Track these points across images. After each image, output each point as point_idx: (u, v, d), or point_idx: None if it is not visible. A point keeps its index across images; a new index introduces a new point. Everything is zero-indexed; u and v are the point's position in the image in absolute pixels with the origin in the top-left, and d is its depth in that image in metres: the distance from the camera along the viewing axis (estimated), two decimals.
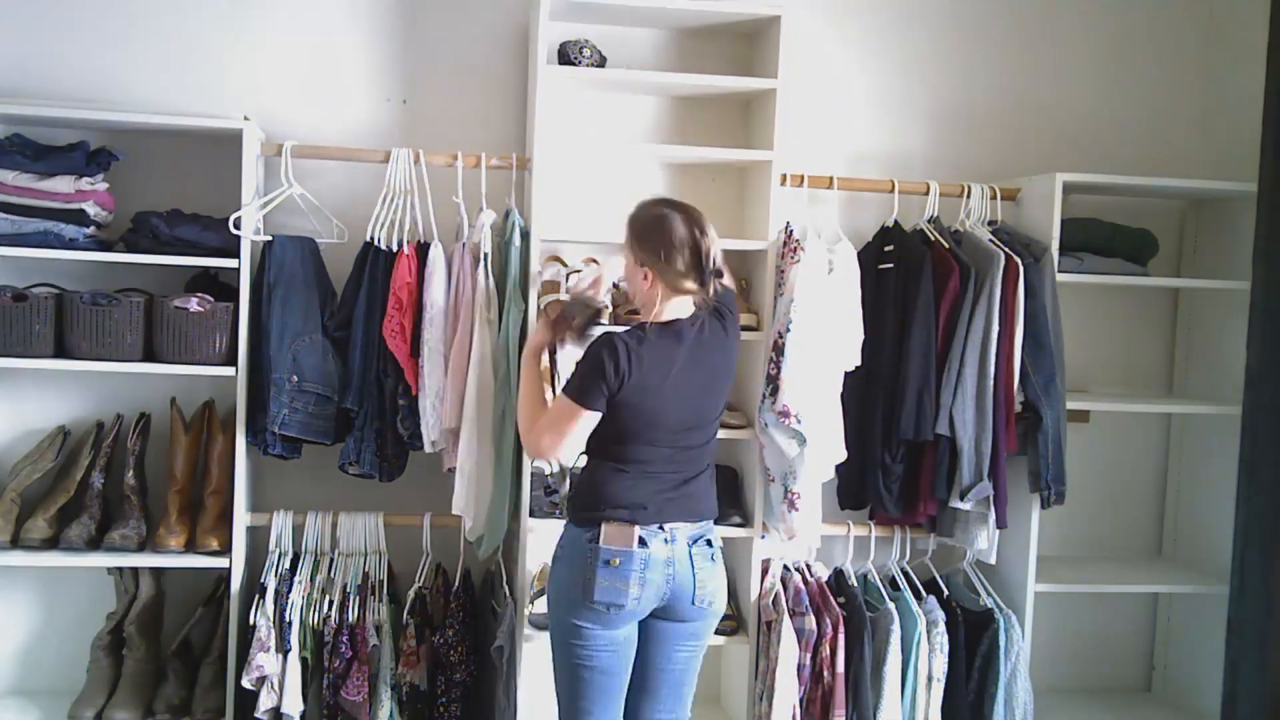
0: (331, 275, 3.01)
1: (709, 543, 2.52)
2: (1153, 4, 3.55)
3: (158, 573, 3.00)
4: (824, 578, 3.17)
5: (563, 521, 3.03)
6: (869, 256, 3.12)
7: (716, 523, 3.06)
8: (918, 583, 3.19)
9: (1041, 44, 3.50)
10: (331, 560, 2.96)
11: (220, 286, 3.03)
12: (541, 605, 3.09)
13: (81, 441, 3.02)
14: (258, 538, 3.02)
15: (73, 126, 3.00)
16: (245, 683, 2.77)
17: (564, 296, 3.03)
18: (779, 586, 3.07)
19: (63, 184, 2.81)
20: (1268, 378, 2.97)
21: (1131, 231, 3.28)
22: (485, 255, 2.90)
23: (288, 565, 2.93)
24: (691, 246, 2.40)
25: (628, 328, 2.46)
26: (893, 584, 3.19)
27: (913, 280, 3.02)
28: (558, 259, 3.22)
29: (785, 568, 3.15)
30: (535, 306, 2.96)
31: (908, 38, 3.42)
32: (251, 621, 2.80)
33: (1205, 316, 3.48)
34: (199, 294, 2.88)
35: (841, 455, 2.95)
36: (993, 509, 3.01)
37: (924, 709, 3.00)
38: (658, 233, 2.41)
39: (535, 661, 3.26)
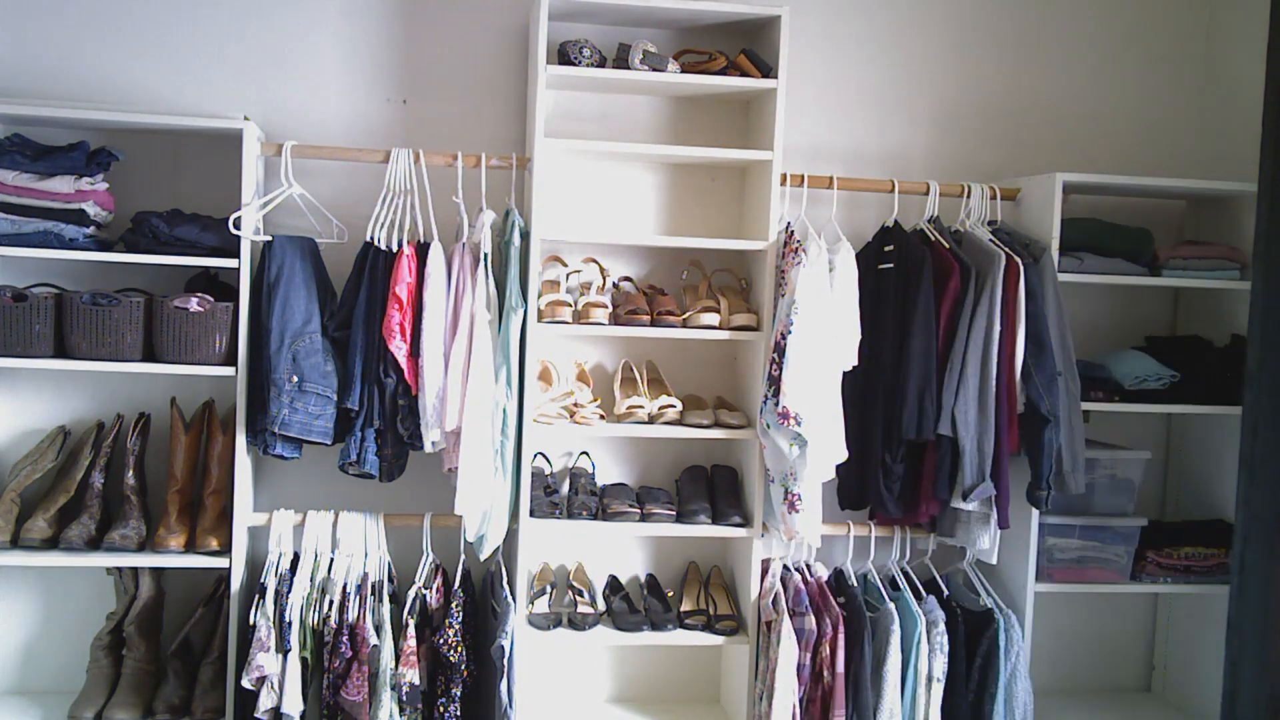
0: (331, 275, 3.01)
1: None
2: (1153, 4, 3.55)
3: (158, 573, 3.00)
4: (824, 578, 3.17)
5: (563, 521, 3.06)
6: (869, 256, 3.12)
7: (716, 522, 3.09)
8: (918, 583, 3.19)
9: (1041, 44, 3.50)
10: (331, 560, 2.96)
11: (220, 286, 3.03)
12: (542, 605, 3.09)
13: (81, 441, 3.02)
14: (258, 538, 3.02)
15: (73, 126, 3.00)
16: (245, 683, 2.77)
17: (564, 296, 3.03)
18: (779, 586, 3.07)
19: (63, 184, 2.81)
20: (1268, 378, 2.97)
21: (1131, 231, 3.28)
22: (485, 255, 2.91)
23: (288, 565, 2.93)
24: None
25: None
26: (893, 584, 3.19)
27: (913, 280, 3.02)
28: (558, 259, 3.23)
29: (785, 568, 3.15)
30: (535, 306, 2.96)
31: (908, 38, 3.42)
32: (251, 621, 2.80)
33: (1205, 317, 3.47)
34: (199, 294, 2.88)
35: (842, 455, 2.95)
36: (995, 509, 3.01)
37: (924, 709, 3.00)
38: None
39: (535, 661, 3.27)
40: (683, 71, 3.06)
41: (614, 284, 3.22)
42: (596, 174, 3.29)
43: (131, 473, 2.96)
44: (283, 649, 2.78)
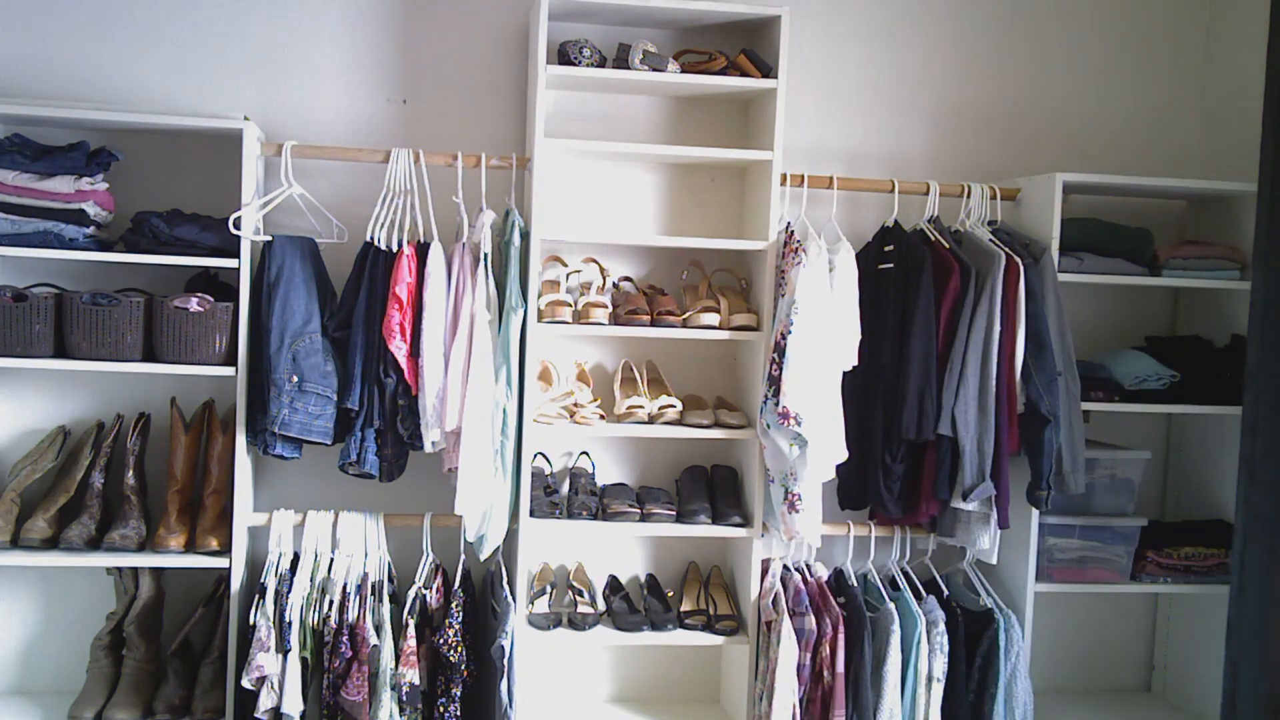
0: (331, 275, 3.01)
1: None
2: (1153, 4, 3.55)
3: (158, 573, 3.00)
4: (824, 578, 3.17)
5: (563, 521, 3.06)
6: (869, 256, 3.12)
7: (716, 522, 3.09)
8: (918, 583, 3.19)
9: (1041, 44, 3.50)
10: (331, 560, 2.96)
11: (220, 286, 3.03)
12: (541, 605, 3.09)
13: (81, 441, 3.02)
14: (258, 538, 3.02)
15: (73, 126, 3.00)
16: (245, 683, 2.76)
17: (564, 296, 3.03)
18: (779, 586, 3.07)
19: (63, 184, 2.81)
20: (1268, 378, 2.97)
21: (1131, 231, 3.28)
22: (485, 255, 2.91)
23: (288, 565, 2.93)
24: None
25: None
26: (893, 584, 3.19)
27: (913, 280, 3.02)
28: (558, 259, 3.23)
29: (785, 568, 3.15)
30: (535, 306, 2.96)
31: (908, 38, 3.42)
32: (251, 621, 2.80)
33: (1205, 316, 3.48)
34: (199, 294, 2.88)
35: (842, 455, 2.95)
36: (995, 509, 3.01)
37: (924, 709, 3.00)
38: None
39: (535, 661, 3.27)
40: (683, 71, 3.05)
41: (614, 284, 3.22)
42: (596, 174, 3.29)
43: (131, 473, 2.96)
44: (283, 649, 2.78)
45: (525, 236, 2.96)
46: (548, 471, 3.24)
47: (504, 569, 3.06)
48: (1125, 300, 3.52)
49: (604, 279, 3.18)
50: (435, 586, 2.98)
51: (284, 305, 2.86)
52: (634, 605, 3.17)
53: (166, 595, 3.05)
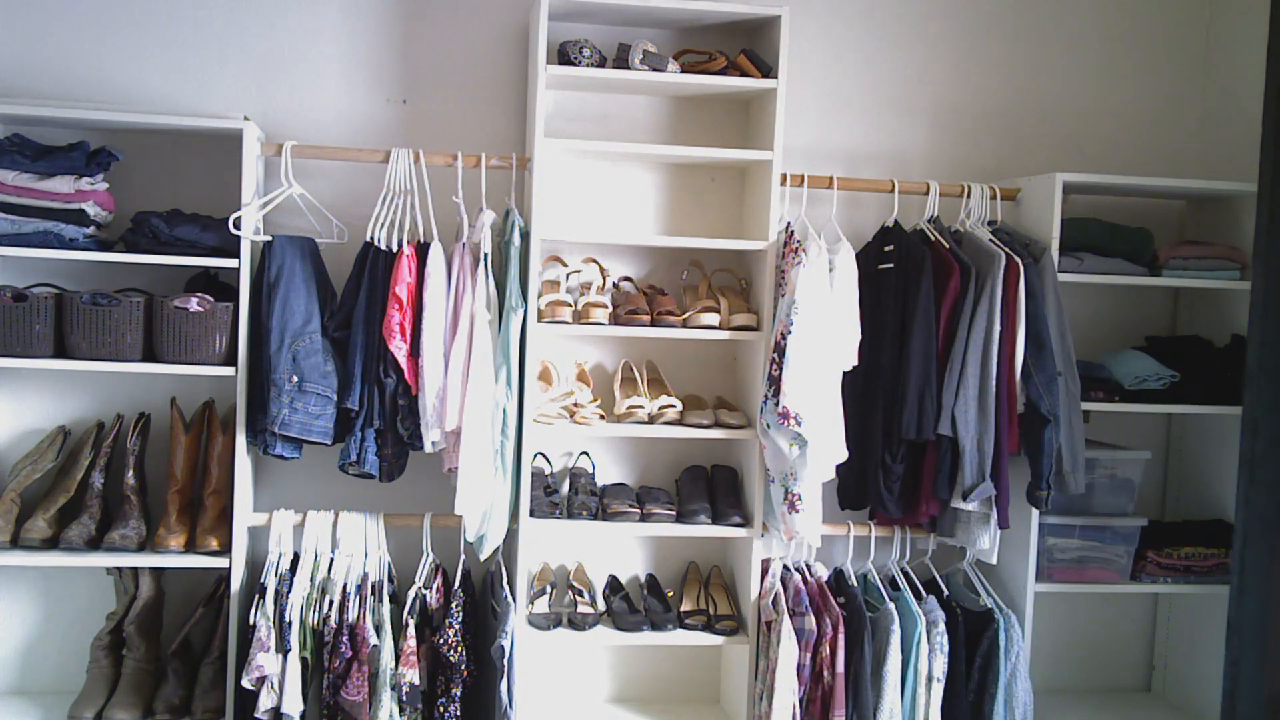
0: (331, 275, 3.01)
1: None
2: (1153, 4, 3.55)
3: (158, 573, 3.00)
4: (824, 578, 3.17)
5: (563, 521, 3.05)
6: (869, 256, 3.12)
7: (716, 522, 3.09)
8: (918, 583, 3.19)
9: (1041, 44, 3.50)
10: (331, 560, 2.96)
11: (220, 286, 3.03)
12: (541, 605, 3.09)
13: (81, 441, 3.02)
14: (258, 538, 3.02)
15: (73, 126, 3.00)
16: (245, 683, 2.77)
17: (564, 296, 3.03)
18: (779, 586, 3.07)
19: (63, 184, 2.81)
20: (1268, 378, 2.97)
21: (1131, 231, 3.28)
22: (485, 255, 2.91)
23: (288, 565, 2.93)
24: None
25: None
26: (893, 584, 3.19)
27: (913, 280, 3.02)
28: (558, 259, 3.23)
29: (785, 568, 3.16)
30: (535, 306, 2.96)
31: (908, 38, 3.42)
32: (251, 621, 2.80)
33: (1205, 316, 3.48)
34: (199, 294, 2.88)
35: (843, 455, 2.95)
36: (995, 509, 3.01)
37: (924, 709, 3.00)
38: None
39: (535, 661, 3.27)
40: (683, 71, 3.06)
41: (614, 284, 3.22)
42: (596, 174, 3.29)
43: (131, 473, 2.96)
44: (283, 649, 2.78)
45: (525, 236, 2.96)
46: (548, 471, 3.24)
47: (504, 569, 3.06)
48: (1125, 300, 3.52)
49: (604, 279, 3.18)
50: (435, 586, 2.98)
51: (284, 305, 2.86)
52: (634, 605, 3.17)
53: (166, 595, 3.05)
